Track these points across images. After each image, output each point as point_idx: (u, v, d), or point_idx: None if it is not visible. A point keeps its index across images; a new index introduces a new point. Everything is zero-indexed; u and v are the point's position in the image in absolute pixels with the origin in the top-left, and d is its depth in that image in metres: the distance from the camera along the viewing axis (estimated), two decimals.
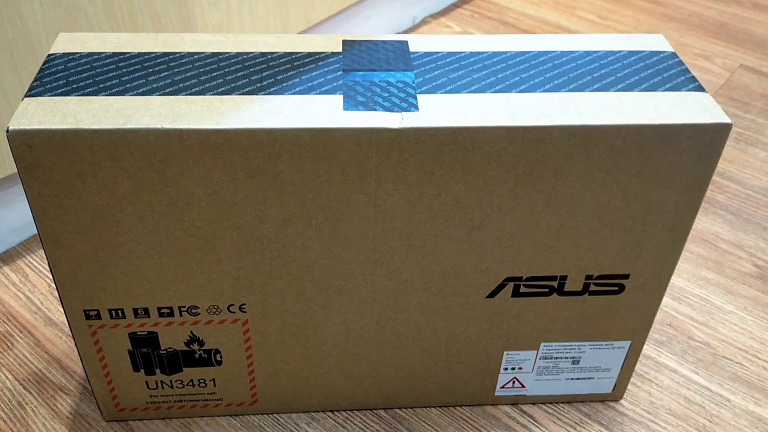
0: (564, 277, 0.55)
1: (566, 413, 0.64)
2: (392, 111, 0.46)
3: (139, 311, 0.54)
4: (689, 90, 0.49)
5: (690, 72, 0.51)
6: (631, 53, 0.53)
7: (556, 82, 0.49)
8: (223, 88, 0.47)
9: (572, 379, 0.63)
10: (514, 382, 0.63)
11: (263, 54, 0.51)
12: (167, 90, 0.47)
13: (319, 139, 0.45)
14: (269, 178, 0.47)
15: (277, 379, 0.60)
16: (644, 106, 0.47)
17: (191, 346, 0.57)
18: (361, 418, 0.63)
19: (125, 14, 0.70)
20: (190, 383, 0.59)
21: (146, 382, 0.59)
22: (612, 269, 0.55)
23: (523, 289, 0.55)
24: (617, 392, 0.65)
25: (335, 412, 0.63)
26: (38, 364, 0.67)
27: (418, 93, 0.48)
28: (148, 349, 0.56)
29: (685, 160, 0.48)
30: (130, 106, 0.45)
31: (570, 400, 0.65)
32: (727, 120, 0.47)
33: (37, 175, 0.45)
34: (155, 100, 0.46)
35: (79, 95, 0.46)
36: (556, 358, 0.61)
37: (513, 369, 0.62)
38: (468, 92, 0.48)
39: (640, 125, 0.46)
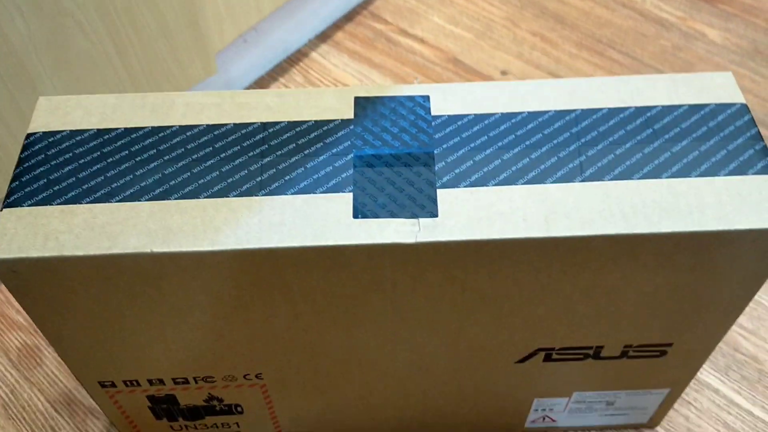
0: (600, 347, 0.51)
1: None
2: (407, 217, 0.41)
3: (154, 381, 0.52)
4: (756, 172, 0.42)
5: (760, 139, 0.43)
6: (693, 109, 0.45)
7: (599, 165, 0.42)
8: (219, 186, 0.42)
9: (606, 415, 0.61)
10: (544, 419, 0.61)
11: (264, 126, 0.45)
12: (157, 191, 0.42)
13: (327, 255, 0.40)
14: (276, 285, 0.43)
15: (301, 421, 0.59)
16: (702, 203, 0.41)
17: (211, 402, 0.56)
18: None
19: (119, 10, 0.62)
20: (214, 426, 0.59)
21: (170, 426, 0.59)
22: (653, 341, 0.50)
23: (555, 356, 0.52)
24: (653, 422, 0.63)
25: None
26: (67, 383, 0.67)
27: (438, 188, 0.42)
28: (168, 405, 0.56)
29: (745, 258, 0.42)
30: (116, 218, 0.41)
31: (603, 428, 0.63)
32: None
33: (26, 293, 0.42)
34: (143, 208, 0.41)
35: (60, 203, 0.41)
36: (590, 402, 0.58)
37: (543, 410, 0.59)
38: (495, 184, 0.42)
39: (693, 233, 0.40)
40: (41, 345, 0.69)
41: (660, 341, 0.50)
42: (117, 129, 0.45)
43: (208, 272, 0.41)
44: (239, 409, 0.57)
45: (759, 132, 0.44)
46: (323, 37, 0.95)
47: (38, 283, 0.41)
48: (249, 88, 0.89)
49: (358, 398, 0.56)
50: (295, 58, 0.92)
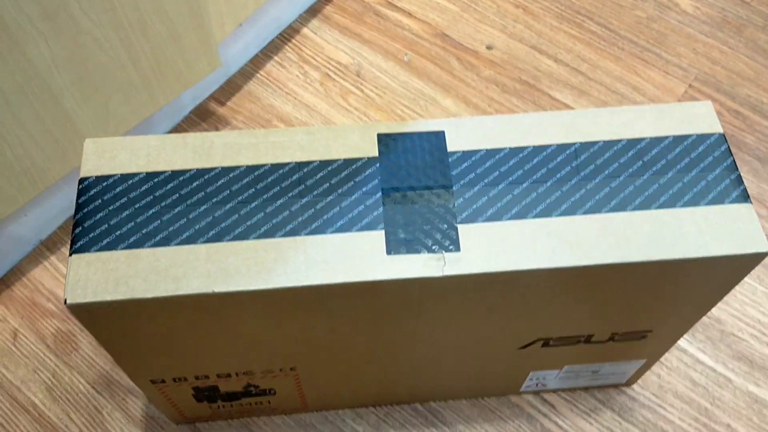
0: (591, 335, 0.59)
1: (583, 400, 0.72)
2: (434, 252, 0.47)
3: (200, 377, 0.59)
4: (732, 201, 0.49)
5: (735, 168, 0.50)
6: (677, 140, 0.51)
7: (597, 197, 0.49)
8: (265, 228, 0.47)
9: (590, 379, 0.69)
10: (537, 384, 0.70)
11: (299, 166, 0.50)
12: (210, 233, 0.47)
13: (365, 288, 0.47)
14: (317, 310, 0.49)
15: (325, 397, 0.67)
16: (685, 232, 0.48)
17: (248, 389, 0.63)
18: (400, 413, 0.71)
19: (133, 22, 0.65)
20: (249, 404, 0.66)
21: (209, 406, 0.66)
22: (636, 329, 0.58)
23: (552, 343, 0.59)
24: (630, 382, 0.72)
25: (377, 407, 0.71)
26: (104, 365, 0.73)
27: (459, 223, 0.48)
28: (209, 393, 0.62)
29: (721, 274, 0.50)
30: (177, 262, 0.46)
31: (586, 388, 0.72)
32: (766, 248, 0.47)
33: (96, 326, 0.48)
34: (201, 250, 0.46)
35: (124, 248, 0.46)
36: (578, 371, 0.67)
37: (537, 379, 0.68)
38: (508, 218, 0.48)
39: (679, 260, 0.47)
40: (75, 330, 0.75)
41: (642, 329, 0.58)
42: (165, 172, 0.49)
43: (261, 304, 0.47)
44: (272, 392, 0.64)
45: (734, 161, 0.50)
46: (312, 11, 0.97)
47: (110, 318, 0.47)
48: (245, 68, 0.92)
49: (376, 380, 0.64)
50: (288, 34, 0.95)
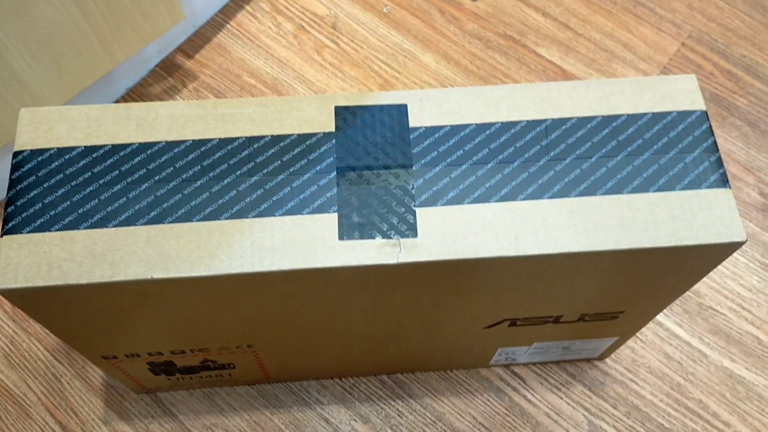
0: (560, 316, 0.56)
1: (553, 374, 0.70)
2: (389, 237, 0.44)
3: (153, 353, 0.57)
4: (710, 186, 0.46)
5: (716, 149, 0.47)
6: (656, 117, 0.48)
7: (566, 180, 0.46)
8: (210, 209, 0.44)
9: (561, 355, 0.68)
10: (506, 358, 0.68)
11: (249, 141, 0.46)
12: (151, 214, 0.44)
13: (316, 274, 0.44)
14: (267, 293, 0.46)
15: (287, 370, 0.65)
16: (657, 218, 0.45)
17: (205, 363, 0.61)
18: (366, 384, 0.70)
19: None
20: (209, 376, 0.65)
21: (168, 379, 0.64)
22: (607, 310, 0.56)
23: (519, 323, 0.57)
24: (602, 357, 0.70)
25: (342, 379, 0.70)
26: None
27: (417, 206, 0.45)
28: (166, 367, 0.60)
29: (694, 261, 0.47)
30: (114, 245, 0.43)
31: (558, 362, 0.71)
32: (742, 237, 0.45)
33: (32, 309, 0.45)
34: (140, 233, 0.43)
35: (59, 229, 0.43)
36: (548, 347, 0.65)
37: (506, 355, 0.66)
38: (470, 202, 0.45)
39: (649, 249, 0.44)
40: None
41: (613, 310, 0.56)
42: (104, 146, 0.46)
43: (205, 289, 0.45)
44: (232, 365, 0.62)
45: (715, 142, 0.47)
46: None
47: (44, 302, 0.44)
48: (215, 18, 0.87)
49: (339, 354, 0.62)
50: None
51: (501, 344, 0.63)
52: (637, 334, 0.72)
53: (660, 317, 0.73)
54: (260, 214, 0.44)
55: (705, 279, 0.75)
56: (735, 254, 0.76)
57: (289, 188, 0.45)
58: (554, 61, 0.86)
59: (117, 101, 0.82)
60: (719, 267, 0.76)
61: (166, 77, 0.83)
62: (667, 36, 0.88)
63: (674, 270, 0.48)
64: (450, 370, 0.70)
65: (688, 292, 0.74)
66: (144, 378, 0.63)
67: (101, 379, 0.69)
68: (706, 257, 0.46)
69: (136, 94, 0.82)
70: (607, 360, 0.71)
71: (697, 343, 0.72)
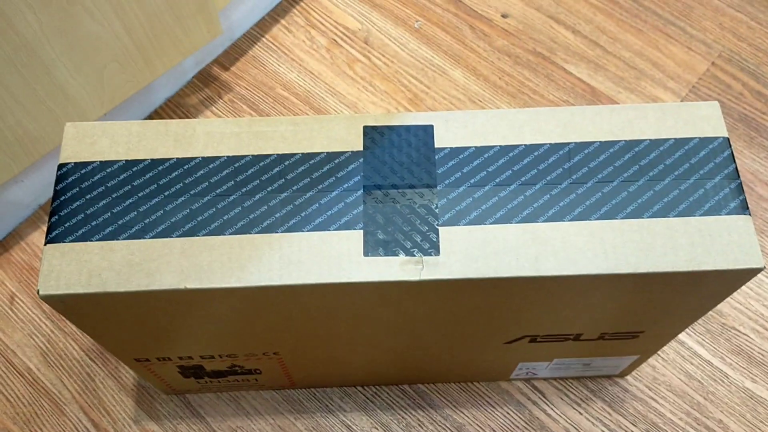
0: (580, 334, 0.57)
1: (574, 389, 0.71)
2: (412, 255, 0.45)
3: (184, 357, 0.59)
4: (729, 212, 0.46)
5: (737, 176, 0.48)
6: (678, 144, 0.49)
7: (587, 203, 0.47)
8: (242, 223, 0.46)
9: (582, 371, 0.69)
10: (527, 373, 0.69)
11: (280, 159, 0.48)
12: (186, 227, 0.46)
13: (340, 288, 0.46)
14: (294, 304, 0.48)
15: (311, 377, 0.67)
16: (676, 244, 0.46)
17: (233, 368, 0.63)
18: (387, 393, 0.71)
19: None
20: (236, 381, 0.67)
21: (197, 382, 0.66)
22: (627, 330, 0.57)
23: (540, 340, 0.58)
24: (623, 374, 0.71)
25: (365, 387, 0.71)
26: None
27: (441, 225, 0.46)
28: (195, 370, 0.63)
29: (712, 286, 0.48)
30: (151, 256, 0.45)
31: (578, 378, 0.72)
32: (760, 264, 0.45)
33: (74, 312, 0.48)
34: (175, 245, 0.46)
35: (99, 239, 0.46)
36: (568, 363, 0.66)
37: (527, 369, 0.67)
38: (492, 222, 0.46)
39: (667, 273, 0.45)
40: None
41: (633, 330, 0.57)
42: (144, 160, 0.48)
43: (235, 300, 0.47)
44: (258, 371, 0.64)
45: (736, 169, 0.48)
46: None
47: (83, 308, 0.47)
48: (251, 31, 0.90)
49: (362, 363, 0.63)
50: None
51: (521, 359, 0.64)
52: (659, 351, 0.73)
53: (682, 336, 0.73)
54: (289, 229, 0.46)
55: (728, 299, 0.75)
56: (760, 276, 0.76)
57: (317, 205, 0.47)
58: (583, 78, 0.87)
59: (156, 111, 0.84)
60: (743, 287, 0.76)
61: (202, 88, 0.86)
62: (697, 55, 0.89)
63: (693, 294, 0.49)
64: (471, 382, 0.71)
65: (711, 312, 0.75)
66: (174, 380, 0.65)
67: (133, 380, 0.71)
68: (724, 282, 0.47)
69: (173, 104, 0.85)
70: (628, 377, 0.72)
71: (718, 362, 0.72)
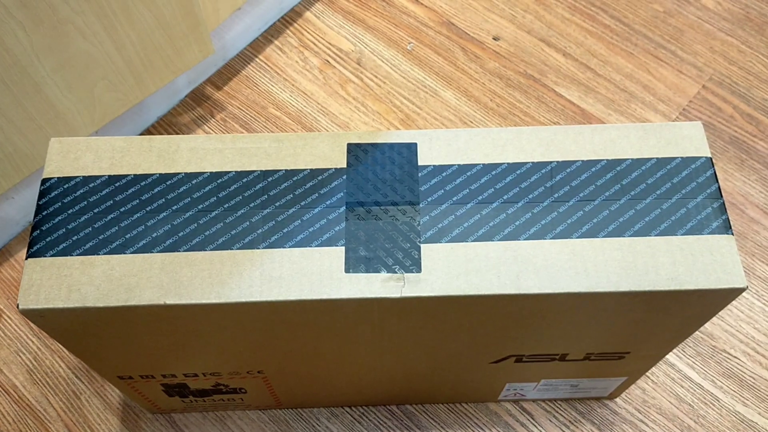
0: (565, 354, 0.57)
1: (563, 411, 0.71)
2: (394, 272, 0.45)
3: (167, 375, 0.58)
4: (712, 231, 0.46)
5: (719, 196, 0.48)
6: (660, 163, 0.49)
7: (569, 221, 0.47)
8: (224, 239, 0.46)
9: (570, 392, 0.68)
10: (515, 394, 0.68)
11: (264, 175, 0.48)
12: (167, 242, 0.46)
13: (321, 305, 0.46)
14: (275, 321, 0.48)
15: (297, 397, 0.66)
16: (657, 263, 0.45)
17: (217, 387, 0.62)
18: (375, 414, 0.70)
19: (117, 10, 0.64)
20: (221, 400, 0.66)
21: (182, 401, 0.66)
22: (612, 350, 0.56)
23: (525, 360, 0.58)
24: (612, 396, 0.70)
25: (352, 408, 0.71)
26: None
27: (423, 242, 0.46)
28: (179, 389, 0.62)
29: (695, 306, 0.47)
30: (131, 270, 0.45)
31: (567, 399, 0.71)
32: (742, 284, 0.45)
33: (52, 329, 0.47)
34: (156, 260, 0.46)
35: (80, 254, 0.46)
36: (556, 384, 0.65)
37: (514, 390, 0.67)
38: (474, 240, 0.46)
39: (648, 292, 0.45)
40: None
41: (618, 350, 0.57)
42: (127, 176, 0.48)
43: (215, 316, 0.46)
44: (243, 390, 0.64)
45: (719, 188, 0.48)
46: None
47: (63, 323, 0.46)
48: (245, 51, 0.90)
49: (349, 383, 0.63)
50: (290, 18, 0.93)
51: (509, 380, 0.63)
52: (649, 374, 0.72)
53: (672, 358, 0.73)
54: (271, 246, 0.46)
55: (719, 322, 0.75)
56: (750, 298, 0.76)
57: (299, 221, 0.47)
58: (573, 100, 0.87)
59: (148, 129, 0.85)
60: (734, 310, 0.75)
61: (195, 107, 0.86)
62: (688, 78, 0.89)
63: (676, 313, 0.49)
64: (459, 403, 0.71)
65: (701, 335, 0.74)
66: (159, 399, 0.65)
67: (119, 398, 0.71)
68: (706, 302, 0.47)
69: (166, 123, 0.85)
70: (618, 399, 0.71)
71: (709, 386, 0.72)
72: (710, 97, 0.88)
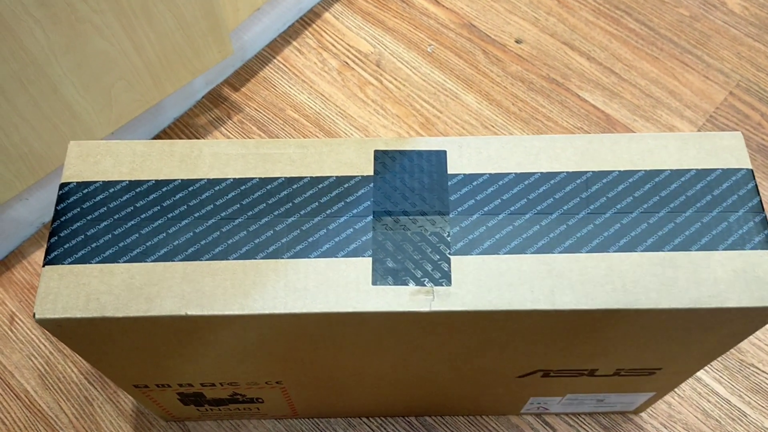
0: (595, 369, 0.55)
1: (586, 426, 0.69)
2: (423, 284, 0.44)
3: (183, 385, 0.57)
4: (753, 247, 0.45)
5: (761, 209, 0.46)
6: (700, 174, 0.47)
7: (605, 234, 0.45)
8: (247, 248, 0.45)
9: (595, 406, 0.66)
10: (538, 407, 0.67)
11: (288, 182, 0.47)
12: (189, 251, 0.45)
13: (346, 318, 0.44)
14: (298, 334, 0.46)
15: (315, 407, 0.65)
16: (698, 278, 0.44)
17: (234, 396, 0.61)
18: (393, 426, 0.69)
19: (136, 9, 0.62)
20: (237, 409, 0.65)
21: (197, 409, 0.64)
22: (644, 366, 0.55)
23: (553, 375, 0.56)
24: (638, 411, 0.68)
25: (370, 419, 0.69)
26: None
27: (452, 254, 0.44)
28: (195, 398, 0.61)
29: (735, 323, 0.46)
30: (152, 280, 0.44)
31: (591, 413, 0.69)
32: None
33: (71, 337, 0.46)
34: (177, 269, 0.44)
35: (99, 261, 0.44)
36: (582, 398, 0.64)
37: (538, 404, 0.65)
38: (506, 252, 0.44)
39: (689, 310, 0.43)
40: None
41: (650, 367, 0.55)
42: (148, 181, 0.47)
43: (237, 328, 0.45)
44: (260, 400, 0.62)
45: (760, 202, 0.46)
46: None
47: (81, 333, 0.45)
48: (263, 52, 0.89)
49: (368, 394, 0.61)
50: (309, 19, 0.91)
51: (533, 394, 0.62)
52: (675, 389, 0.70)
53: (699, 372, 0.71)
54: (295, 256, 0.45)
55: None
56: None
57: (325, 230, 0.45)
58: (598, 105, 0.86)
59: (164, 131, 0.83)
60: None
61: (212, 109, 0.85)
62: (715, 85, 0.87)
63: (714, 331, 0.47)
64: (480, 415, 0.69)
65: (731, 349, 0.72)
66: (173, 407, 0.63)
67: (132, 405, 0.70)
68: (748, 320, 0.45)
69: (182, 124, 0.84)
70: (643, 414, 0.69)
71: (736, 401, 0.70)
72: (737, 103, 0.86)
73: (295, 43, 0.90)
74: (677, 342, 0.49)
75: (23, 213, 0.74)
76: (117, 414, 0.69)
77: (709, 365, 0.71)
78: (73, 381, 0.71)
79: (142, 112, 0.73)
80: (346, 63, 0.88)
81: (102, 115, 0.68)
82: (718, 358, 0.72)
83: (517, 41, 0.90)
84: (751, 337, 0.73)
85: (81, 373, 0.71)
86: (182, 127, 0.84)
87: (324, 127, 0.84)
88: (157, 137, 0.83)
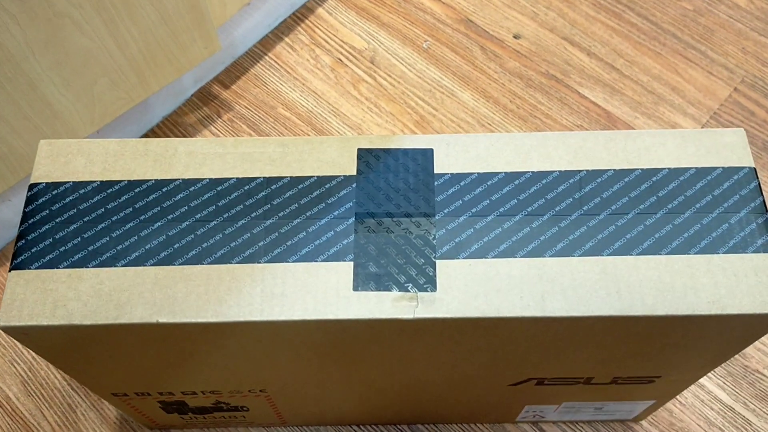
0: (591, 378, 0.53)
1: None
2: (407, 290, 0.41)
3: (164, 393, 0.55)
4: (756, 250, 0.42)
5: (764, 210, 0.43)
6: (699, 173, 0.44)
7: (599, 237, 0.43)
8: (222, 252, 0.43)
9: (593, 414, 0.64)
10: (534, 416, 0.64)
11: (267, 182, 0.45)
12: (161, 254, 0.42)
13: (327, 325, 0.42)
14: (276, 341, 0.44)
15: (302, 415, 0.63)
16: (697, 284, 0.41)
17: (218, 405, 0.59)
18: None
19: (117, 4, 0.60)
20: (222, 417, 0.63)
21: (181, 418, 0.62)
22: (642, 374, 0.52)
23: (547, 383, 0.54)
24: (637, 419, 0.66)
25: (360, 426, 0.67)
26: None
27: (438, 258, 0.42)
28: (178, 406, 0.59)
29: (736, 330, 0.43)
30: (122, 285, 0.42)
31: (589, 422, 0.67)
32: None
33: (39, 345, 0.44)
34: (149, 274, 0.42)
35: (67, 266, 0.42)
36: (579, 407, 0.61)
37: (534, 412, 0.63)
38: (494, 256, 0.42)
39: (687, 316, 0.41)
40: None
41: (648, 375, 0.52)
42: (120, 182, 0.45)
43: (211, 335, 0.43)
44: (245, 408, 0.60)
45: (763, 202, 0.44)
46: None
47: (49, 341, 0.43)
48: (254, 49, 0.87)
49: (356, 402, 0.59)
50: (301, 14, 0.89)
51: (528, 402, 0.59)
52: (677, 396, 0.68)
53: (701, 379, 0.68)
54: (273, 260, 0.42)
55: None
56: None
57: (304, 233, 0.43)
58: (598, 102, 0.83)
59: (152, 129, 0.81)
60: None
61: (201, 107, 0.83)
62: (719, 80, 0.85)
63: (715, 338, 0.45)
64: (474, 423, 0.67)
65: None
66: (157, 416, 0.61)
67: (116, 413, 0.68)
68: (750, 327, 0.43)
69: (171, 122, 0.82)
70: (643, 422, 0.67)
71: (740, 408, 0.67)
72: (742, 100, 0.83)
73: (287, 39, 0.88)
74: (676, 349, 0.47)
75: (7, 214, 0.72)
76: (101, 421, 0.67)
77: (711, 372, 0.69)
78: (56, 387, 0.69)
79: (128, 110, 0.71)
80: (340, 60, 0.86)
81: (84, 114, 0.66)
82: (723, 365, 0.69)
83: (516, 36, 0.88)
84: (755, 342, 0.70)
85: (64, 380, 0.69)
86: (171, 126, 0.82)
87: (316, 126, 0.82)
88: (145, 136, 0.81)
